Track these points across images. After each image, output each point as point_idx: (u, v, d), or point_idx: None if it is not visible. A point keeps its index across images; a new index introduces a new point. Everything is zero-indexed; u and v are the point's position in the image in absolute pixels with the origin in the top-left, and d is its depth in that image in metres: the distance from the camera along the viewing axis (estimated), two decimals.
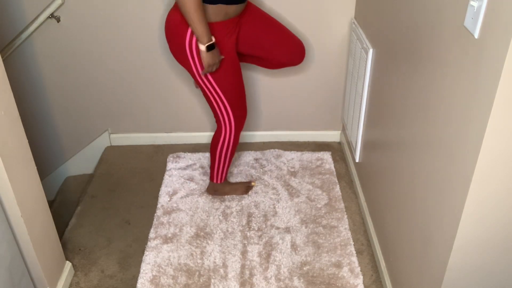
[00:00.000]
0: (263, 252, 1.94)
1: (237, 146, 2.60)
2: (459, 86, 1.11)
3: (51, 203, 2.58)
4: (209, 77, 1.81)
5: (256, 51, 1.94)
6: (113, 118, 2.59)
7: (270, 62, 2.01)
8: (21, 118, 1.51)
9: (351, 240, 1.99)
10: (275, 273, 1.85)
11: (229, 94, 1.88)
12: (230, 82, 1.86)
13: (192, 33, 1.69)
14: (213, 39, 1.68)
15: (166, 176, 2.39)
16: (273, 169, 2.42)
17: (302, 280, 1.82)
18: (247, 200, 2.22)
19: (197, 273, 1.86)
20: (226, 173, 2.18)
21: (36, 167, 1.61)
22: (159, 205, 2.20)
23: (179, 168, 2.44)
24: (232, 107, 1.92)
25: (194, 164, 2.47)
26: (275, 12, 2.23)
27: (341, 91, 2.50)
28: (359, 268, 1.86)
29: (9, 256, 1.46)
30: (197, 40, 1.68)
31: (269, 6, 2.22)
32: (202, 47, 1.67)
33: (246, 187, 2.25)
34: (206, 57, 1.69)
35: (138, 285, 1.82)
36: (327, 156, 2.51)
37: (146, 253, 1.95)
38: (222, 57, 1.75)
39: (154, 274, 1.86)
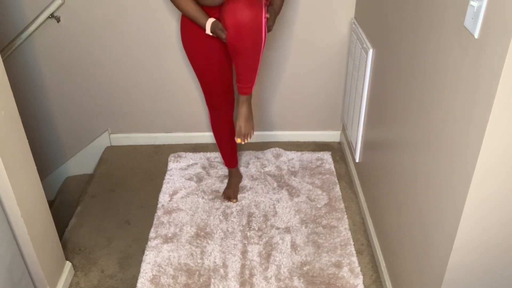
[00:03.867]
0: (263, 252, 1.94)
1: (237, 146, 2.61)
2: (459, 86, 1.11)
3: (51, 203, 2.58)
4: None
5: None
6: (113, 118, 2.59)
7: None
8: (21, 118, 1.51)
9: (351, 240, 1.99)
10: (275, 273, 1.85)
11: (200, 80, 1.93)
12: (197, 69, 1.90)
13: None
14: (207, 23, 1.71)
15: (167, 176, 2.39)
16: (273, 169, 2.42)
17: (302, 280, 1.82)
18: (247, 200, 2.22)
19: (197, 273, 1.86)
20: (224, 160, 2.24)
21: (36, 167, 1.61)
22: (159, 205, 2.20)
23: (180, 168, 2.44)
24: (204, 93, 1.98)
25: (196, 164, 2.47)
26: None
27: (341, 91, 2.50)
28: (359, 268, 1.86)
29: (9, 256, 1.46)
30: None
31: None
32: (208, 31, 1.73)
33: (228, 197, 2.24)
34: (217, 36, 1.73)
35: (138, 284, 1.82)
36: (327, 156, 2.51)
37: (146, 252, 1.95)
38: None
39: (154, 273, 1.86)
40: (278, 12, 1.83)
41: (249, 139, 1.91)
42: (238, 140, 1.88)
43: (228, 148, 2.19)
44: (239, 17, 1.57)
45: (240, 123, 1.87)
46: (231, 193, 2.24)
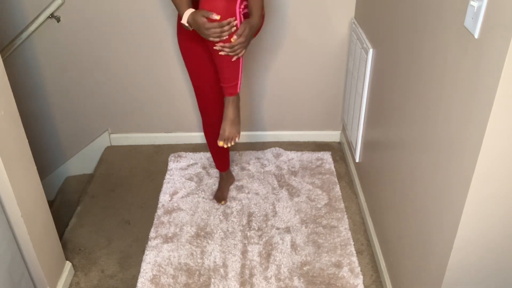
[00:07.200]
0: (263, 252, 1.94)
1: (238, 146, 2.62)
2: (459, 86, 1.11)
3: (51, 203, 2.58)
4: None
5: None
6: (113, 118, 2.59)
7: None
8: (21, 118, 1.51)
9: (351, 240, 1.99)
10: (275, 273, 1.85)
11: (192, 82, 1.92)
12: (190, 71, 1.88)
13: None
14: (184, 17, 1.61)
15: (167, 176, 2.39)
16: (273, 169, 2.42)
17: (302, 280, 1.82)
18: (247, 200, 2.22)
19: (197, 272, 1.86)
20: (216, 163, 2.24)
21: (36, 167, 1.61)
22: (159, 205, 2.20)
23: (180, 168, 2.44)
24: (196, 97, 1.97)
25: (196, 163, 2.47)
26: (275, 12, 2.23)
27: (341, 91, 2.50)
28: (359, 268, 1.86)
29: (9, 256, 1.46)
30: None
31: (269, 6, 2.22)
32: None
33: (218, 199, 2.23)
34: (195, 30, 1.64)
35: (138, 284, 1.82)
36: (327, 156, 2.51)
37: (146, 252, 1.95)
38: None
39: (154, 273, 1.86)
40: (257, 26, 1.68)
41: (232, 143, 1.84)
42: (221, 143, 1.82)
43: (219, 152, 2.17)
44: (212, 6, 1.56)
45: (224, 127, 1.81)
46: (219, 195, 2.23)
